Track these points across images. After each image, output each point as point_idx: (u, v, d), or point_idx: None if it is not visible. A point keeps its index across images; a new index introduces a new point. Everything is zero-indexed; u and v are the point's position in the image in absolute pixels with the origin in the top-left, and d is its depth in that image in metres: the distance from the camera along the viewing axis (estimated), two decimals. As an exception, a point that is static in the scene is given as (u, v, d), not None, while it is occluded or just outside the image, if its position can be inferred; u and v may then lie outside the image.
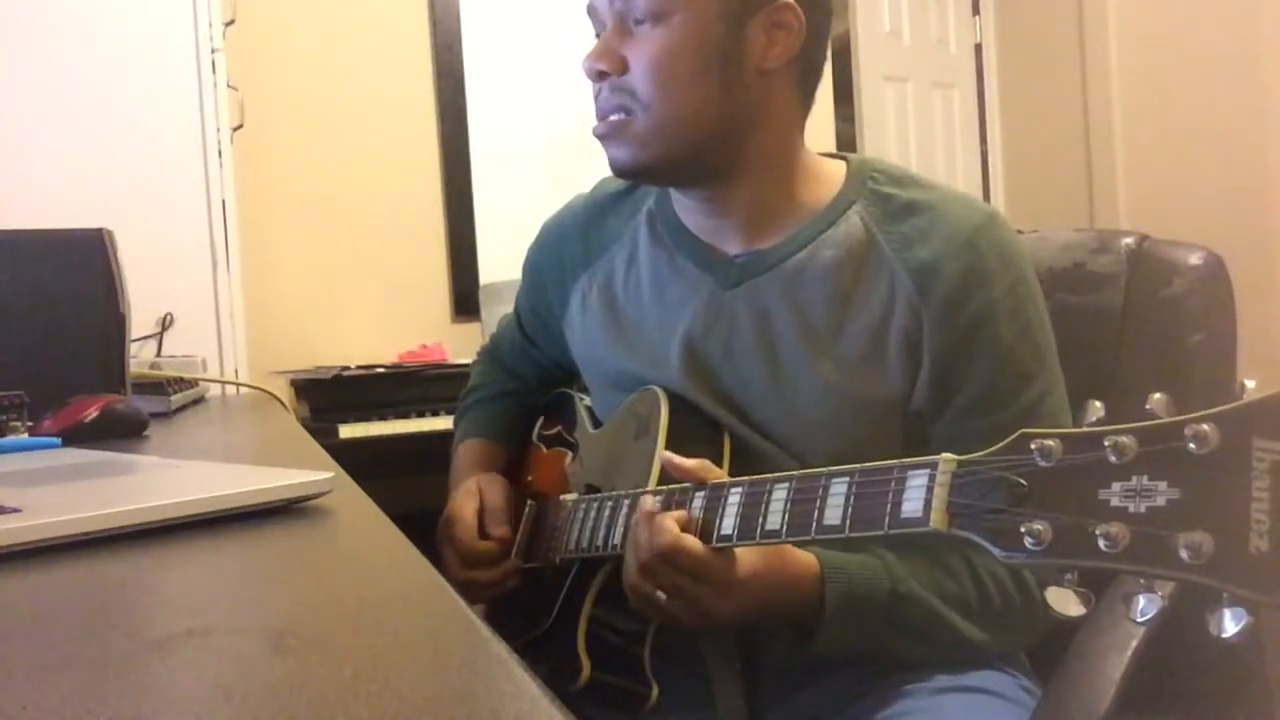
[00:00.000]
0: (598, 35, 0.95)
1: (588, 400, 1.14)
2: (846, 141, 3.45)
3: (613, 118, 0.93)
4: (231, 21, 2.22)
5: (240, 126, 2.23)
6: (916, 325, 0.89)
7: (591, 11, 0.96)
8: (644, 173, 0.96)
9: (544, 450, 1.18)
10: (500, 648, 0.40)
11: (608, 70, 0.92)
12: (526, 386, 1.25)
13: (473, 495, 1.09)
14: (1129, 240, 1.07)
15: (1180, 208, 3.11)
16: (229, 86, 2.15)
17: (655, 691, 0.90)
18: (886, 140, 3.55)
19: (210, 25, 2.10)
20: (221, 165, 2.10)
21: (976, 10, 3.80)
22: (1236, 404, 0.49)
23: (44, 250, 1.39)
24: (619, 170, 0.96)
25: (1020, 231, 1.10)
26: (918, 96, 3.67)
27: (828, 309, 0.92)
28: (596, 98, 0.95)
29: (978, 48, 3.81)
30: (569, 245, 1.11)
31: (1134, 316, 1.04)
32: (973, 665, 0.90)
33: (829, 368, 0.91)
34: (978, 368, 0.88)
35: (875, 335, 0.90)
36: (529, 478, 1.17)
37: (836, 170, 0.98)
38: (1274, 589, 0.47)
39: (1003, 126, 3.80)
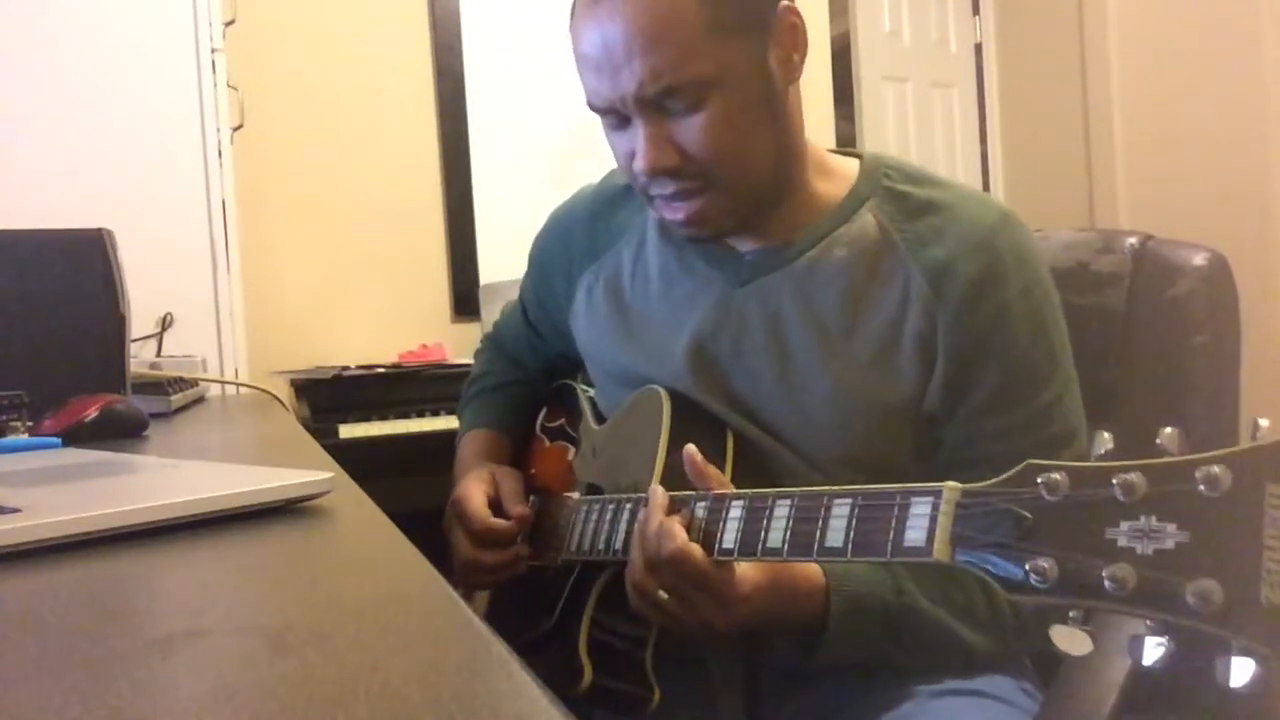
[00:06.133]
0: (615, 129, 0.90)
1: (591, 392, 1.13)
2: (846, 141, 3.45)
3: (693, 204, 0.89)
4: (231, 21, 2.22)
5: (240, 126, 2.23)
6: (930, 326, 0.87)
7: (605, 108, 0.88)
8: (731, 233, 0.94)
9: (547, 443, 1.17)
10: (500, 648, 0.40)
11: (676, 167, 0.87)
12: (530, 376, 1.24)
13: (486, 480, 1.08)
14: (1133, 240, 1.06)
15: (1180, 208, 3.11)
16: (229, 86, 2.15)
17: (657, 695, 0.89)
18: (886, 140, 3.55)
19: (210, 25, 2.10)
20: (221, 165, 2.10)
21: (976, 10, 3.80)
22: (1249, 446, 0.47)
23: (44, 250, 1.39)
24: (704, 240, 0.94)
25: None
26: (918, 96, 3.67)
27: (840, 308, 0.90)
28: (647, 190, 0.90)
29: (978, 48, 3.81)
30: (576, 237, 1.09)
31: (1138, 317, 1.04)
32: (974, 669, 0.89)
33: (840, 368, 0.90)
34: (992, 369, 0.87)
35: (888, 336, 0.89)
36: (532, 470, 1.16)
37: (848, 167, 0.96)
38: None
39: (1003, 126, 3.80)
